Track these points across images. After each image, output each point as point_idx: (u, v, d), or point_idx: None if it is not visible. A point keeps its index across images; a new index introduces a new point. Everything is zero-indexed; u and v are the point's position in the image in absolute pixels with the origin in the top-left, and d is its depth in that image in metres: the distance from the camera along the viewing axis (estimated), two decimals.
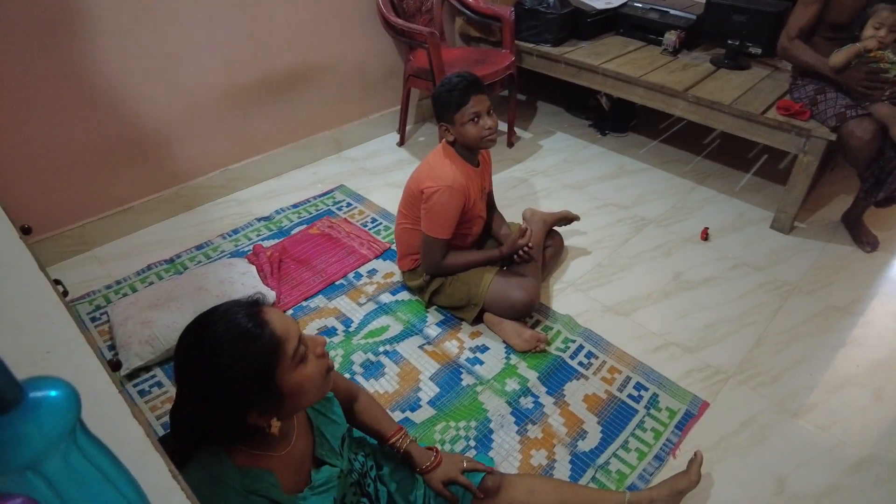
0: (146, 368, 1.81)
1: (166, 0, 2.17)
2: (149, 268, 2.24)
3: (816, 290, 2.19)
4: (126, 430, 0.73)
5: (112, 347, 1.87)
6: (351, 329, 1.96)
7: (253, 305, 0.97)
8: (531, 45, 3.00)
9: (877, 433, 1.67)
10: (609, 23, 3.15)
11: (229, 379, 0.89)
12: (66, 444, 0.47)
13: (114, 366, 1.04)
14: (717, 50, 2.91)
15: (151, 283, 2.15)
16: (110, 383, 0.80)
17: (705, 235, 2.43)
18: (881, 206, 2.32)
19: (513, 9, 2.86)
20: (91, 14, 2.01)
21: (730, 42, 2.76)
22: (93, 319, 2.01)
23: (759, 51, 2.71)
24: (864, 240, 2.41)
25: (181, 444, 0.95)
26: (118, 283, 2.17)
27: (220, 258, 2.28)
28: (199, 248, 2.35)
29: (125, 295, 2.10)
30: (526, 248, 1.94)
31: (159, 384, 1.77)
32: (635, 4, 3.10)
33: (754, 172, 2.93)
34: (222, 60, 2.43)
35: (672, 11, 3.00)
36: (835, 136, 2.20)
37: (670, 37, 2.91)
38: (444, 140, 1.89)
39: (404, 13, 2.86)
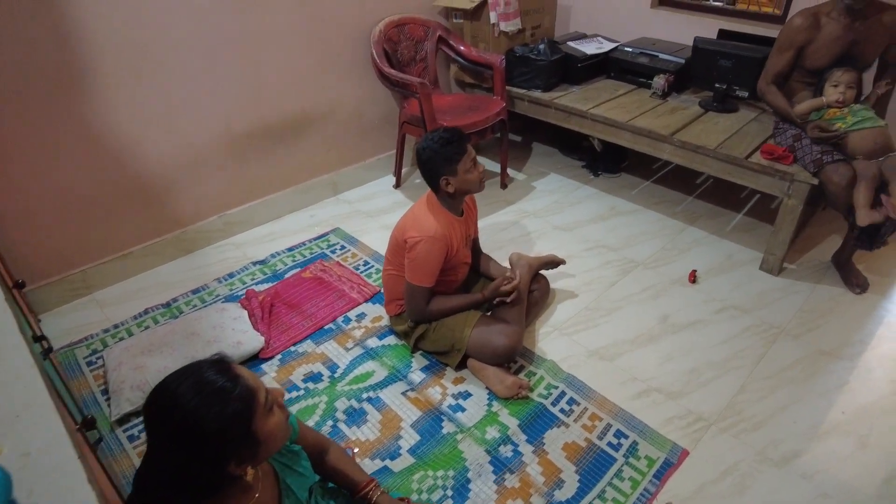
0: (137, 413, 1.85)
1: (167, 54, 2.29)
2: (146, 312, 2.31)
3: (804, 334, 2.19)
4: (80, 499, 0.77)
5: (105, 392, 1.93)
6: (336, 375, 2.00)
7: (220, 363, 1.02)
8: (523, 91, 3.08)
9: (859, 483, 1.66)
10: (600, 67, 3.23)
11: (211, 434, 0.93)
12: None
13: (87, 424, 1.09)
14: (706, 93, 2.97)
15: (147, 328, 2.22)
16: (72, 449, 0.85)
17: (693, 278, 2.45)
18: (865, 249, 2.33)
19: (503, 57, 2.95)
20: (94, 69, 2.13)
21: (717, 85, 2.82)
22: (89, 364, 2.07)
23: (745, 94, 2.76)
24: (854, 282, 2.41)
25: None
26: (116, 327, 2.24)
27: (214, 302, 2.35)
28: (195, 291, 2.42)
29: (122, 339, 2.16)
30: (509, 291, 1.98)
31: None
32: (625, 49, 3.18)
33: (746, 212, 2.95)
34: (222, 109, 2.54)
35: (661, 56, 3.07)
36: (816, 181, 2.22)
37: (659, 80, 2.98)
38: (428, 191, 1.95)
39: (399, 62, 2.97)
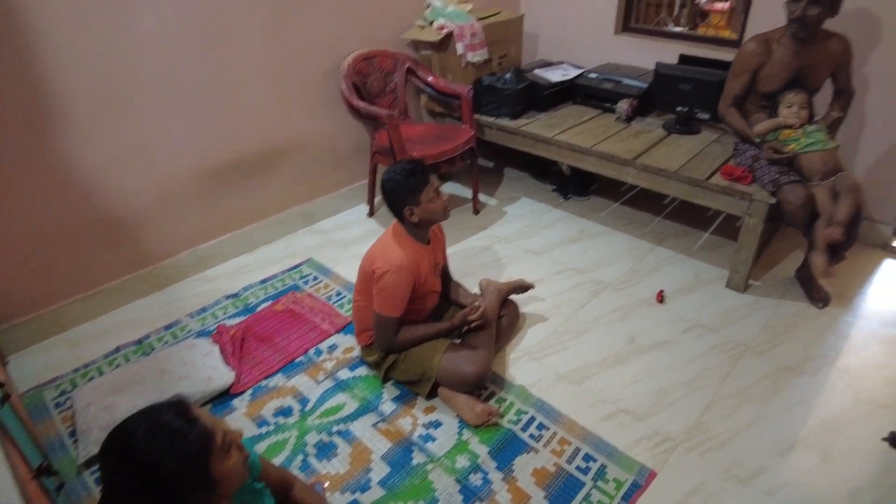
0: None
1: (139, 90, 2.31)
2: (117, 350, 2.30)
3: (768, 350, 2.23)
4: None
5: (73, 434, 1.91)
6: (307, 408, 2.00)
7: (177, 405, 1.04)
8: (491, 119, 3.15)
9: (824, 496, 1.69)
10: (566, 93, 3.31)
11: (168, 475, 0.95)
12: None
13: (44, 471, 1.09)
14: (669, 116, 3.05)
15: (118, 366, 2.21)
16: (19, 501, 0.85)
17: (661, 298, 2.49)
18: (831, 265, 2.40)
19: (471, 87, 3.02)
20: (66, 105, 2.15)
21: (679, 109, 2.91)
22: (57, 405, 2.05)
23: (706, 116, 2.85)
24: (817, 296, 2.47)
25: None
26: (86, 366, 2.22)
27: (186, 338, 2.34)
28: (167, 327, 2.42)
29: (92, 378, 2.15)
30: (476, 322, 2.01)
31: None
32: (590, 75, 3.27)
33: (712, 231, 3.02)
34: (194, 145, 2.56)
35: (625, 81, 3.16)
36: (774, 200, 2.29)
37: (623, 105, 3.06)
38: (395, 221, 1.99)
39: (369, 94, 3.02)
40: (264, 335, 2.33)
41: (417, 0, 3.18)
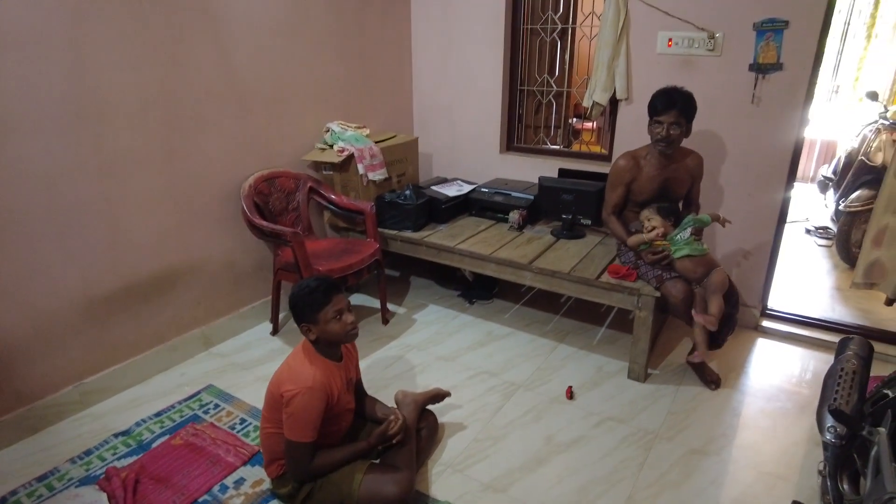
0: None
1: (16, 217, 2.17)
2: None
3: (675, 436, 2.34)
4: None
5: None
6: None
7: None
8: (395, 232, 3.26)
9: None
10: (462, 206, 3.53)
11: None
12: None
13: None
14: (556, 223, 3.32)
15: None
16: None
17: (570, 394, 2.58)
18: (712, 349, 2.63)
19: (373, 203, 3.14)
20: None
21: (564, 216, 3.18)
22: None
23: (588, 221, 3.14)
24: (709, 378, 2.67)
25: None
26: None
27: (65, 489, 2.05)
28: (40, 479, 2.11)
29: None
30: (396, 432, 1.96)
31: None
32: (482, 190, 3.52)
33: (608, 325, 3.22)
34: (77, 272, 2.40)
35: (513, 194, 3.43)
36: (659, 294, 2.52)
37: (514, 215, 3.30)
38: (304, 339, 1.94)
39: (271, 212, 3.04)
40: (161, 475, 2.10)
41: (316, 124, 3.33)
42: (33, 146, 2.17)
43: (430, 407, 2.31)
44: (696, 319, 2.47)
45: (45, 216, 2.25)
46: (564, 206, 3.14)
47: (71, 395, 2.46)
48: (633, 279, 2.62)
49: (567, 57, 3.60)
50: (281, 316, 3.17)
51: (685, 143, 2.65)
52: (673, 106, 2.52)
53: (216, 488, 2.07)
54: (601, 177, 3.16)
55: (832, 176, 4.62)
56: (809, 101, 2.79)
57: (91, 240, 2.41)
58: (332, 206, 3.25)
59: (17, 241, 2.19)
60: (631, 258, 2.70)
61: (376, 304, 3.36)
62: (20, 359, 2.28)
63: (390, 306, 3.36)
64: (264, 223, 2.83)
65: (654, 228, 2.58)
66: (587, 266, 2.79)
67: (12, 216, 2.16)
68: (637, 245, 2.62)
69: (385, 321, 3.25)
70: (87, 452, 2.25)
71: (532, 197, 3.35)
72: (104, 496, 1.96)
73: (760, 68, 2.82)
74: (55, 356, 2.39)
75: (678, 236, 2.56)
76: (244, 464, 2.18)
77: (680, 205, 2.83)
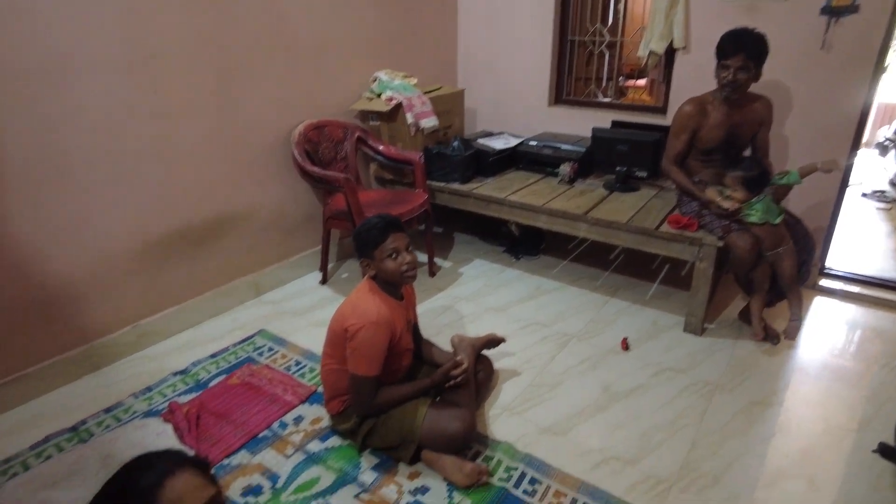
0: None
1: (76, 161, 2.18)
2: (46, 439, 2.00)
3: (736, 387, 2.28)
4: None
5: None
6: (278, 485, 1.81)
7: (173, 465, 0.90)
8: (442, 184, 3.21)
9: None
10: (509, 160, 3.45)
11: None
12: None
13: None
14: (608, 176, 3.23)
15: (49, 457, 1.92)
16: None
17: (625, 345, 2.53)
18: (776, 301, 2.56)
19: (422, 153, 3.08)
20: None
21: (618, 169, 3.09)
22: None
23: (644, 174, 3.04)
24: (769, 334, 2.59)
25: None
26: (7, 461, 1.91)
27: (131, 420, 2.09)
28: (107, 410, 2.15)
29: (16, 475, 1.85)
30: (459, 375, 1.94)
31: None
32: (530, 143, 3.44)
33: (660, 281, 3.15)
34: (135, 216, 2.41)
35: (563, 146, 3.34)
36: (722, 244, 2.44)
37: (565, 168, 3.22)
38: (367, 276, 1.92)
39: (321, 161, 3.01)
40: (221, 411, 2.13)
41: (363, 74, 3.27)
42: (91, 90, 2.16)
43: (485, 352, 2.29)
44: (765, 330, 2.53)
45: (102, 159, 2.25)
46: (619, 157, 3.05)
47: (129, 335, 2.50)
48: (694, 229, 2.54)
49: (621, 6, 3.46)
50: (330, 266, 3.16)
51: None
52: (741, 49, 2.40)
53: (276, 425, 2.08)
54: (656, 129, 3.05)
55: (893, 138, 4.42)
56: (887, 49, 2.63)
57: (146, 184, 2.42)
58: (379, 157, 3.20)
59: (76, 183, 2.20)
60: (694, 208, 2.61)
61: (423, 257, 3.31)
62: (82, 298, 2.32)
63: (436, 260, 3.33)
64: (316, 169, 2.80)
65: (734, 196, 2.46)
66: (644, 217, 2.71)
67: (72, 159, 2.17)
68: (710, 202, 2.50)
69: (432, 273, 3.23)
70: (148, 389, 2.28)
71: (583, 150, 3.26)
72: (169, 427, 1.99)
73: (833, 11, 2.66)
74: (113, 297, 2.42)
75: (756, 201, 2.45)
76: (302, 403, 2.19)
77: (747, 152, 2.72)
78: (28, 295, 2.15)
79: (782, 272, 2.49)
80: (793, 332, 2.52)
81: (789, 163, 2.94)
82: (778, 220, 2.47)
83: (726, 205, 2.45)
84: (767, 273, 2.51)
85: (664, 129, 2.91)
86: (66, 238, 2.21)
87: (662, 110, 3.29)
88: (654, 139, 2.95)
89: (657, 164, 2.90)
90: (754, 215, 2.45)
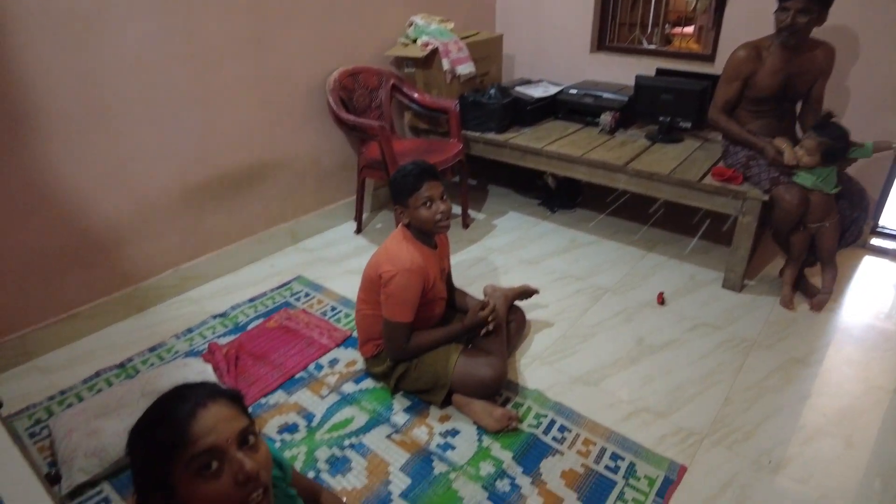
0: (92, 483, 1.66)
1: (120, 107, 2.21)
2: (97, 374, 2.12)
3: (774, 344, 2.23)
4: None
5: (53, 464, 1.72)
6: (313, 424, 1.87)
7: (206, 397, 0.93)
8: (477, 134, 3.15)
9: (854, 482, 1.66)
10: (548, 109, 3.35)
11: (132, 455, 0.89)
12: None
13: (52, 479, 0.95)
14: (651, 126, 3.11)
15: (100, 391, 2.03)
16: (47, 499, 0.73)
17: (661, 299, 2.49)
18: (808, 266, 2.48)
19: (457, 101, 3.02)
20: (39, 122, 2.02)
21: (661, 119, 2.97)
22: (31, 435, 1.86)
23: (688, 125, 2.92)
24: (811, 292, 2.50)
25: None
26: (62, 392, 2.04)
27: (174, 359, 2.19)
28: (151, 350, 2.25)
29: (70, 405, 1.97)
30: (489, 320, 1.94)
31: (107, 500, 1.62)
32: (570, 91, 3.32)
33: (700, 236, 3.06)
34: (174, 162, 2.45)
35: (605, 95, 3.22)
36: (767, 198, 2.34)
37: (606, 117, 3.11)
38: (401, 224, 1.92)
39: (355, 109, 2.98)
40: (259, 353, 2.20)
41: (399, 19, 3.19)
42: (128, 34, 2.16)
43: (517, 303, 2.29)
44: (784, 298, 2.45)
45: (141, 104, 2.28)
46: (663, 107, 2.93)
47: (170, 278, 2.58)
48: (738, 182, 2.44)
49: None
50: (365, 215, 3.18)
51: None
52: None
53: (311, 366, 2.14)
54: (704, 78, 2.91)
55: None
56: None
57: (184, 130, 2.44)
58: (414, 105, 3.15)
59: (117, 128, 2.23)
60: (740, 160, 2.49)
61: (456, 209, 3.29)
62: (125, 241, 2.39)
63: (469, 212, 3.31)
64: (351, 117, 2.78)
65: (808, 157, 2.29)
66: (688, 169, 2.61)
67: (111, 105, 2.19)
68: (772, 148, 2.36)
69: (465, 225, 3.21)
70: (189, 330, 2.37)
71: (625, 99, 3.14)
72: (209, 367, 2.07)
73: None
74: (155, 240, 2.49)
75: (824, 172, 2.29)
76: (337, 346, 2.25)
77: (798, 106, 2.58)
78: (72, 239, 2.22)
79: (822, 245, 2.39)
80: (820, 305, 2.43)
81: (844, 120, 2.77)
82: (834, 191, 2.31)
83: (790, 157, 2.31)
84: (806, 243, 2.41)
85: (712, 78, 2.77)
86: (108, 182, 2.27)
87: (710, 58, 3.12)
88: (700, 88, 2.81)
89: (702, 114, 2.77)
90: (809, 180, 2.30)
